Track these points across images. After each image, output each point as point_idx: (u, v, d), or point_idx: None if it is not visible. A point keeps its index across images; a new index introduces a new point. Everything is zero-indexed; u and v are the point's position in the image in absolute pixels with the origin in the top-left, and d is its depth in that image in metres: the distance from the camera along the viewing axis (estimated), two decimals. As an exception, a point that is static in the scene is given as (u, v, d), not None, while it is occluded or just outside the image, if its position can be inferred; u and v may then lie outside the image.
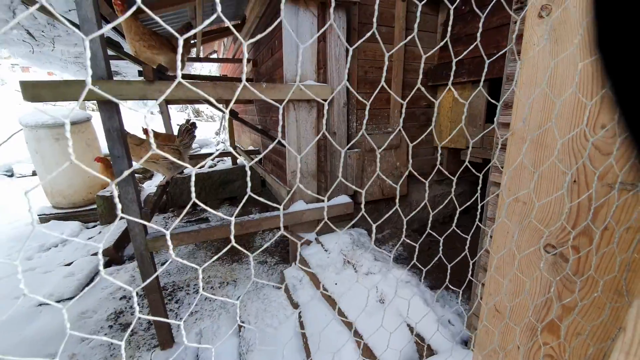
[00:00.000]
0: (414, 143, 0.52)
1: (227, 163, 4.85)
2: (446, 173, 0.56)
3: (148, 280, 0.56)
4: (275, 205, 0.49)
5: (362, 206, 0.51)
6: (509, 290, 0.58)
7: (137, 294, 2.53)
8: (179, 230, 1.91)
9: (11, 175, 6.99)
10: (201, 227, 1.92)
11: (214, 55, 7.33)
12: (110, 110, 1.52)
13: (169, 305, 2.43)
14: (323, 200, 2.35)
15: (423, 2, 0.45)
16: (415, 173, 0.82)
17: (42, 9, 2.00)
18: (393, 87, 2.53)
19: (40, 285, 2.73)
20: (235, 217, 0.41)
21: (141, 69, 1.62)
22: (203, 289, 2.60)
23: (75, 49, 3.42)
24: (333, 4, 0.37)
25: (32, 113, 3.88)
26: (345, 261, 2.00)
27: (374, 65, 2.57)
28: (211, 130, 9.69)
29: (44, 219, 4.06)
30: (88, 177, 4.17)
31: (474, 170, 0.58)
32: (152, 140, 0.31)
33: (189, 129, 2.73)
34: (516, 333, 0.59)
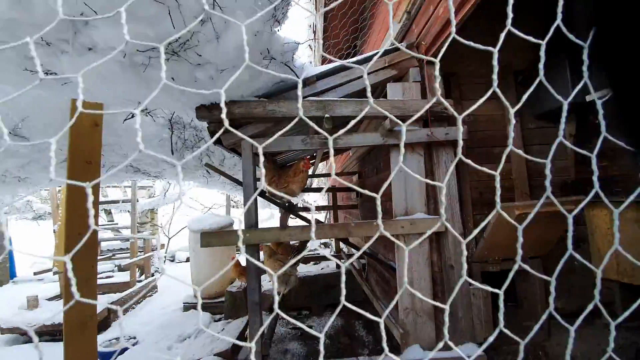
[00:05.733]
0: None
1: (331, 266, 4.98)
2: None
3: None
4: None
5: None
6: None
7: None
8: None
9: (172, 260, 9.10)
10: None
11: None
12: (252, 250, 1.89)
13: None
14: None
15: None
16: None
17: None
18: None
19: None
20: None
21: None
22: None
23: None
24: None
25: (197, 219, 5.20)
26: None
27: (490, 185, 2.42)
28: (317, 241, 10.62)
29: (187, 307, 4.88)
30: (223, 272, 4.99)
31: None
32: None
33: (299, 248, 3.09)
34: None
